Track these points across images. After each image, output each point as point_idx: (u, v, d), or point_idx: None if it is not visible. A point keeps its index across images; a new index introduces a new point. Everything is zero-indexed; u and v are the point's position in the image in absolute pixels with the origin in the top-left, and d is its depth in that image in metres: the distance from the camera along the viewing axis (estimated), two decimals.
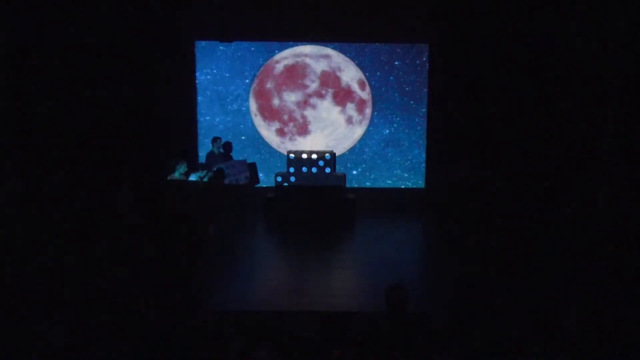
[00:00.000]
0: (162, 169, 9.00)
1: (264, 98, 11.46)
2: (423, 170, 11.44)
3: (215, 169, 9.31)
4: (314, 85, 11.42)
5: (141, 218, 8.18)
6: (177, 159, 8.86)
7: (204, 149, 11.36)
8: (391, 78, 11.41)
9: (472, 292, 6.48)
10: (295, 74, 11.40)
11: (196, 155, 11.18)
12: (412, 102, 11.43)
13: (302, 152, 10.76)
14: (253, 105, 11.49)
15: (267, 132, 11.51)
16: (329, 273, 7.69)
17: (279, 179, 10.66)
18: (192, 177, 8.86)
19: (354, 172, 11.56)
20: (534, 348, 4.89)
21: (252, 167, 10.33)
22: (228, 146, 10.29)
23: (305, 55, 11.40)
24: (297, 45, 11.37)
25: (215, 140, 10.26)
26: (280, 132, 11.51)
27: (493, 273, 7.17)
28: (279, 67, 11.43)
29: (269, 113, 11.49)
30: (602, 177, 7.55)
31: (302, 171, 10.45)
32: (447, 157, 10.70)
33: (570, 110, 8.40)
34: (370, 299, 6.44)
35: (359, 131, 11.53)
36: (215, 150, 10.16)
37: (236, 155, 10.74)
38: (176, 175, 8.67)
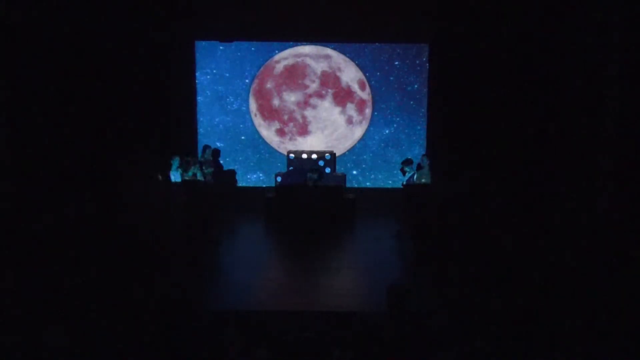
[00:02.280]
0: (163, 168, 8.99)
1: (264, 98, 11.46)
2: None
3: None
4: (314, 86, 11.42)
5: (141, 217, 8.17)
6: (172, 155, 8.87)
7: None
8: (391, 78, 11.41)
9: (471, 292, 6.48)
10: (295, 74, 11.40)
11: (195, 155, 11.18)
12: (412, 102, 11.43)
13: (302, 152, 10.76)
14: (253, 105, 11.49)
15: (267, 132, 11.52)
16: (329, 273, 7.69)
17: (279, 179, 10.66)
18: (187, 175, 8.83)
19: (354, 172, 11.56)
20: (534, 348, 4.89)
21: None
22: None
23: (305, 55, 11.40)
24: (297, 45, 11.37)
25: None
26: (280, 132, 11.51)
27: (492, 272, 7.17)
28: (279, 67, 11.43)
29: (269, 113, 11.49)
30: (602, 177, 7.55)
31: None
32: (446, 158, 10.69)
33: (570, 109, 8.40)
34: (370, 299, 6.44)
35: (359, 131, 11.53)
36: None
37: (235, 155, 10.77)
38: (173, 170, 8.65)
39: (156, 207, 8.30)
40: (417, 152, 11.40)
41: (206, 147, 10.09)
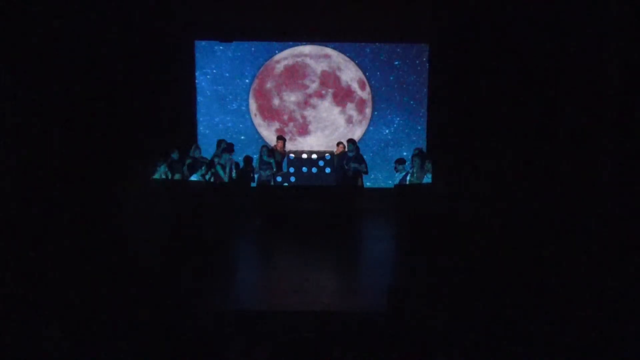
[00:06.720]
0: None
1: (264, 98, 11.46)
2: None
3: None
4: (314, 85, 11.42)
5: (140, 218, 8.17)
6: (160, 158, 8.89)
7: (204, 149, 11.35)
8: (391, 78, 11.41)
9: (471, 292, 6.47)
10: (295, 74, 11.40)
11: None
12: (412, 102, 11.43)
13: (302, 152, 10.74)
14: (253, 105, 11.49)
15: (267, 132, 11.51)
16: (328, 273, 7.69)
17: (279, 179, 10.65)
18: (194, 177, 8.83)
19: None
20: (534, 348, 4.89)
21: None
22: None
23: (305, 55, 11.40)
24: (297, 45, 11.37)
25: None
26: (280, 132, 11.51)
27: (492, 273, 7.16)
28: (279, 67, 11.43)
29: (269, 113, 11.49)
30: (604, 176, 7.55)
31: (302, 171, 10.44)
32: (447, 158, 10.69)
33: (571, 109, 8.40)
34: (370, 299, 6.43)
35: (359, 131, 11.52)
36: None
37: (235, 155, 10.78)
38: (156, 176, 8.66)
39: (154, 206, 8.30)
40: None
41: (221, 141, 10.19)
